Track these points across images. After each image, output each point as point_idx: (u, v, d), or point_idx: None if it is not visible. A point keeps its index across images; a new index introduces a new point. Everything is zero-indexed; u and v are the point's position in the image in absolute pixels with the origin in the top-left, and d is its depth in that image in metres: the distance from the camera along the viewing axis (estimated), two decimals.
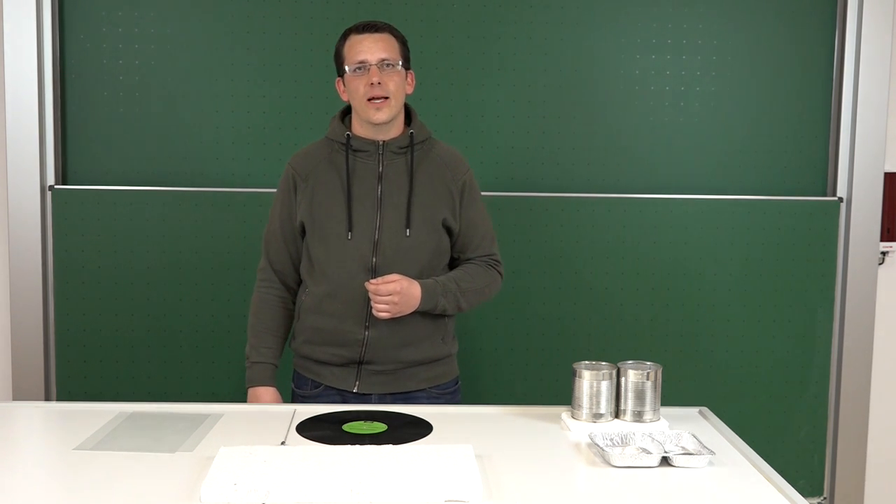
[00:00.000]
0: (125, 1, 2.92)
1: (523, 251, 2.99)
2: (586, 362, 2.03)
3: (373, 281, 2.18)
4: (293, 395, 2.39)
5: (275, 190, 2.39)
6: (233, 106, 2.96)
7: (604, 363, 2.03)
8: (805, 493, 3.03)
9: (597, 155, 3.05)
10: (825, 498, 3.15)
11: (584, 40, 3.01)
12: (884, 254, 3.15)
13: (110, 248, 2.93)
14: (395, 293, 2.16)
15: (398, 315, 2.20)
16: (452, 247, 2.36)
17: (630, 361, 2.03)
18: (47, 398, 2.96)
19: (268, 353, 2.35)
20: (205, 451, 1.81)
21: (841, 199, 3.08)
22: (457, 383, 2.41)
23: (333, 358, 2.29)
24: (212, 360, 2.97)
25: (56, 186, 2.92)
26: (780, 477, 1.74)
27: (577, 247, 3.02)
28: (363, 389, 2.28)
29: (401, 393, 2.29)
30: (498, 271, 2.39)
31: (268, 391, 2.31)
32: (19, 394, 2.95)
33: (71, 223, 2.92)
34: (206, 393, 2.95)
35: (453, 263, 2.39)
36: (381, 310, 2.18)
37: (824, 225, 3.07)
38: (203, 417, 2.04)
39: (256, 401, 2.30)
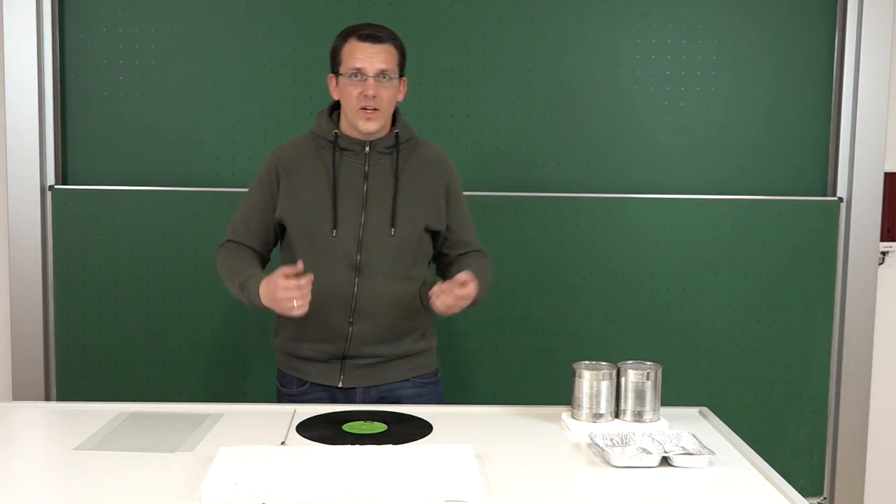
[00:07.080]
0: (125, 1, 2.92)
1: (523, 251, 2.99)
2: (586, 362, 2.03)
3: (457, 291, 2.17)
4: (279, 394, 2.40)
5: None
6: (233, 106, 2.96)
7: (604, 363, 2.03)
8: (805, 493, 3.03)
9: (597, 155, 3.05)
10: (825, 498, 3.15)
11: (583, 40, 3.01)
12: (884, 254, 3.15)
13: (110, 248, 2.93)
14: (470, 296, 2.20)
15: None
16: (443, 244, 2.40)
17: (630, 361, 2.03)
18: (47, 398, 2.96)
19: (255, 268, 2.28)
20: (205, 451, 1.81)
21: (841, 199, 3.08)
22: (437, 374, 2.45)
23: (318, 354, 2.31)
24: (212, 360, 2.97)
25: (56, 186, 2.92)
26: (780, 477, 1.74)
27: (577, 247, 3.02)
28: (347, 384, 2.31)
29: (385, 384, 2.33)
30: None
31: (271, 278, 2.16)
32: (19, 394, 2.94)
33: (71, 223, 2.92)
34: (206, 393, 2.95)
35: (443, 261, 2.43)
36: (456, 310, 2.22)
37: (824, 225, 3.07)
38: (203, 417, 2.04)
39: (274, 287, 2.12)
